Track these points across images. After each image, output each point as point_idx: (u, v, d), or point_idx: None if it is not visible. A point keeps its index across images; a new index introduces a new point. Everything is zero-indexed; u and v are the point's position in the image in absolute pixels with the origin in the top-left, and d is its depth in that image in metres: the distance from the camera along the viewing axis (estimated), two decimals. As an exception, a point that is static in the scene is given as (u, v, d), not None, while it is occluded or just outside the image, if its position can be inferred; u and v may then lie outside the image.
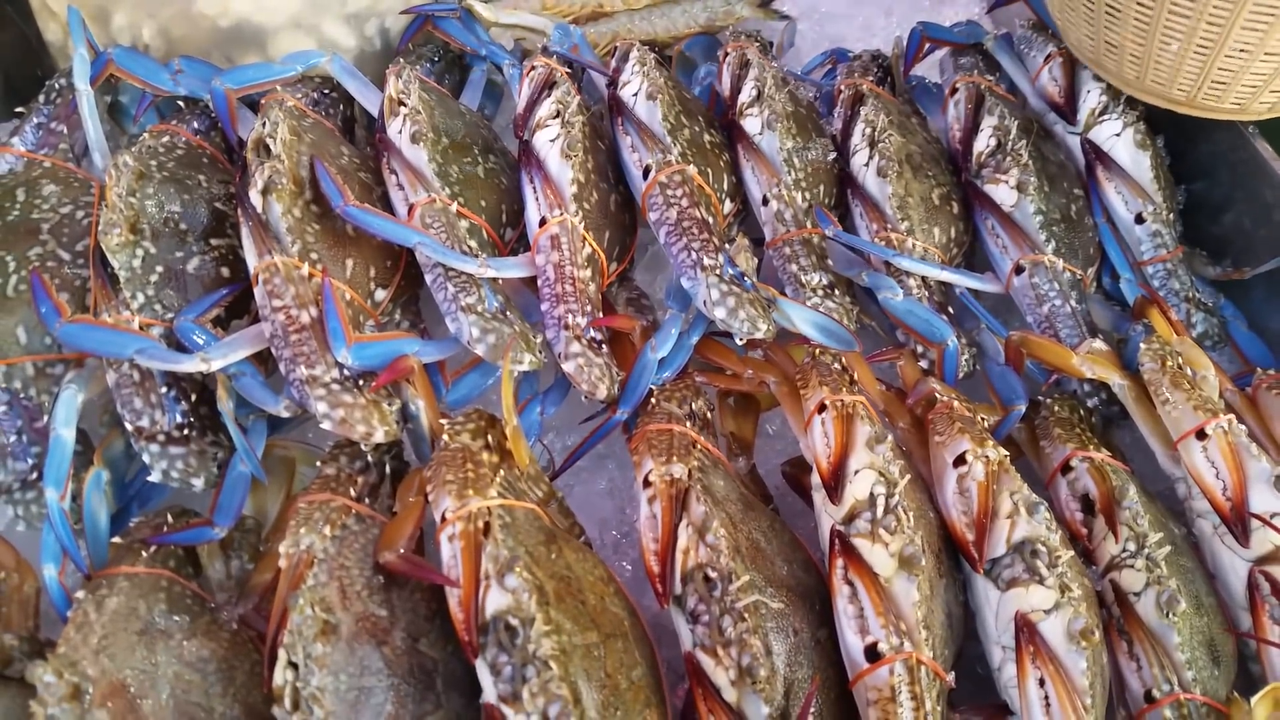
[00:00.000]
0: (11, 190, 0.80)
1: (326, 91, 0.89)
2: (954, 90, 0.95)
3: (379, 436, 0.68)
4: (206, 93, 0.85)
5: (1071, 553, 0.69)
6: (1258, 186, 0.92)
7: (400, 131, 0.79)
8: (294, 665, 0.58)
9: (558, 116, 0.82)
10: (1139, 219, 0.90)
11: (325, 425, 0.67)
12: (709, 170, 0.85)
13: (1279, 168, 0.91)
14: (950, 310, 0.86)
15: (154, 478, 0.70)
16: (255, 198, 0.72)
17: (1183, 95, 0.83)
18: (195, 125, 0.85)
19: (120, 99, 0.92)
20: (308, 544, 0.63)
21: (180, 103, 0.88)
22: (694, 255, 0.77)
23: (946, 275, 0.85)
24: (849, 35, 1.12)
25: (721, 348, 0.81)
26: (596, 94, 0.95)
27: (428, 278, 0.74)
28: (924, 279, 0.85)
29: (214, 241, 0.76)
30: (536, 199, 0.79)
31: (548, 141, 0.80)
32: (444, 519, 0.62)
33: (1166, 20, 0.78)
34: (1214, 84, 0.81)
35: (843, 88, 0.95)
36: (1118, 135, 0.91)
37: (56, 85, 0.89)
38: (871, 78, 0.97)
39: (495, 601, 0.59)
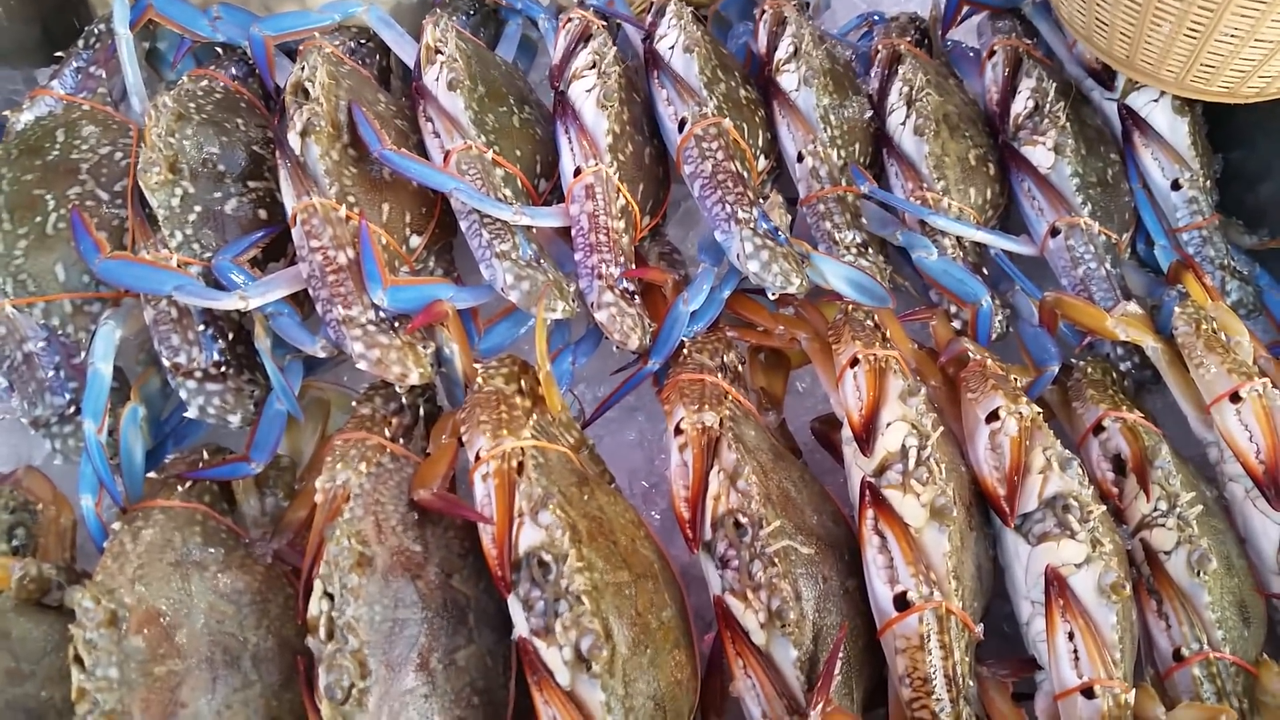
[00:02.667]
0: (51, 131, 0.80)
1: (363, 42, 0.89)
2: (991, 53, 0.94)
3: (414, 378, 0.68)
4: (244, 40, 0.86)
5: (1103, 508, 0.69)
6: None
7: (437, 79, 0.79)
8: (329, 596, 0.59)
9: (594, 67, 0.81)
10: (1175, 185, 0.89)
11: (361, 365, 0.68)
12: (744, 126, 0.85)
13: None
14: (984, 271, 0.85)
15: (190, 414, 0.70)
16: (294, 139, 0.72)
17: (1171, 77, 0.82)
18: (233, 72, 0.85)
19: (159, 45, 0.92)
20: (344, 479, 0.63)
21: (218, 49, 0.88)
22: (728, 208, 0.76)
23: (982, 236, 0.84)
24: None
25: (753, 303, 0.81)
26: (631, 51, 0.95)
27: (462, 224, 0.74)
28: (959, 239, 0.85)
29: (252, 184, 0.76)
30: (572, 149, 0.79)
31: (583, 92, 0.80)
32: (478, 458, 0.62)
33: (1158, 3, 0.77)
34: (1203, 67, 0.80)
35: (880, 47, 0.94)
36: (1155, 101, 0.90)
37: (96, 30, 0.89)
38: (909, 39, 0.96)
39: (529, 538, 0.59)
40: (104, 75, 0.87)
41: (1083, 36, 0.88)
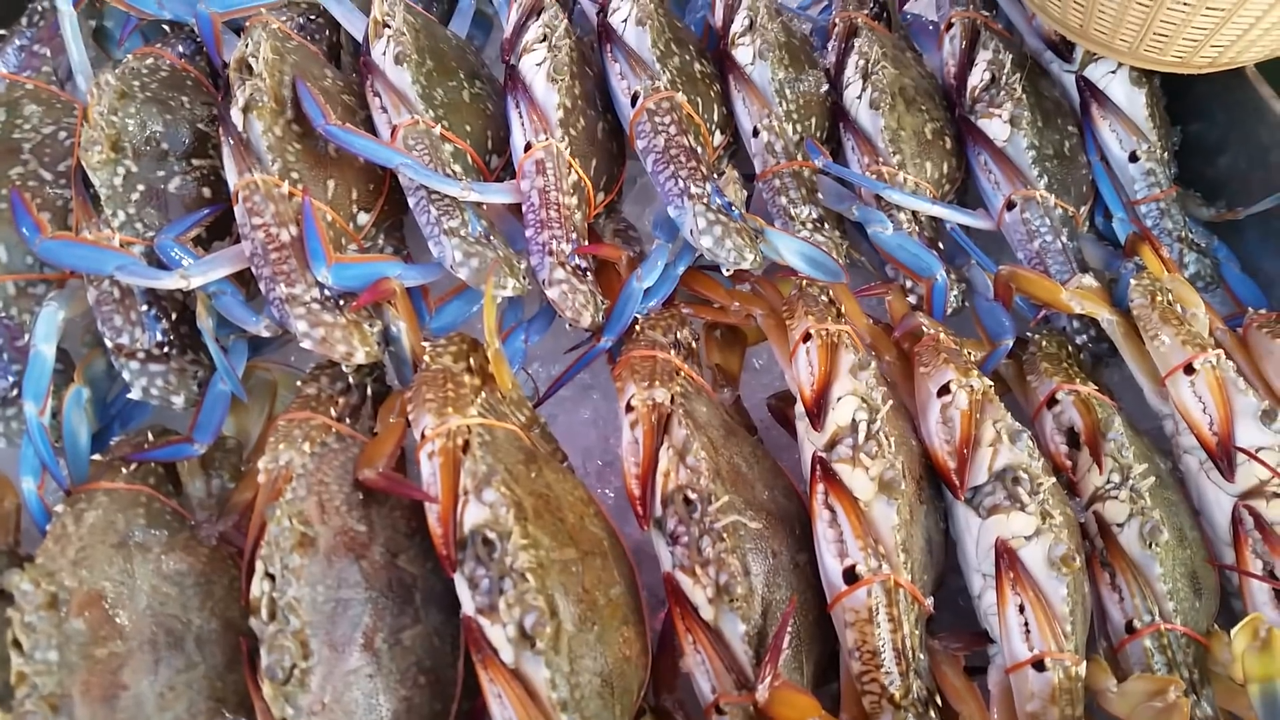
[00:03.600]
0: (-8, 110, 0.79)
1: (313, 17, 0.88)
2: (949, 25, 0.93)
3: (360, 357, 0.68)
4: (192, 17, 0.84)
5: (1053, 480, 0.68)
6: (1254, 128, 0.91)
7: (384, 53, 0.78)
8: (271, 576, 0.58)
9: (544, 40, 0.80)
10: (1133, 157, 0.89)
11: (305, 344, 0.67)
12: (699, 100, 0.84)
13: (1263, 90, 0.90)
14: (940, 246, 0.85)
15: (134, 395, 0.70)
16: (236, 115, 0.71)
17: (1125, 46, 0.82)
18: (180, 49, 0.84)
19: (105, 23, 0.90)
20: (286, 459, 0.62)
21: (165, 27, 0.87)
22: (681, 183, 0.76)
23: (938, 210, 0.84)
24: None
25: (708, 280, 0.80)
26: (588, 26, 0.94)
27: (410, 200, 0.73)
28: (914, 214, 0.84)
29: (196, 162, 0.75)
30: (522, 123, 0.78)
31: (534, 65, 0.79)
32: (423, 436, 0.62)
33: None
34: (1156, 36, 0.79)
35: (837, 20, 0.93)
36: (1113, 73, 0.90)
37: (39, 8, 0.88)
38: (867, 12, 0.95)
39: (473, 516, 0.58)
40: (48, 54, 0.86)
41: (1038, 7, 0.88)
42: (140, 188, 0.72)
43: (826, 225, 0.83)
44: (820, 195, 0.84)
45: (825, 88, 0.89)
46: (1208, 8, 0.77)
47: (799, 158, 0.84)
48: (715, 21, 0.93)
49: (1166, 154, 0.90)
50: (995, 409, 0.70)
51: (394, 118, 0.76)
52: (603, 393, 0.83)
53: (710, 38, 0.95)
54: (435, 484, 0.60)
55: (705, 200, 0.75)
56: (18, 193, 0.71)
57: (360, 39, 0.85)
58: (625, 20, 0.84)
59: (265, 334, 0.69)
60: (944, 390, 0.70)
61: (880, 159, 0.85)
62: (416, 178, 0.71)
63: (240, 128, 0.71)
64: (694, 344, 0.77)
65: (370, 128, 0.78)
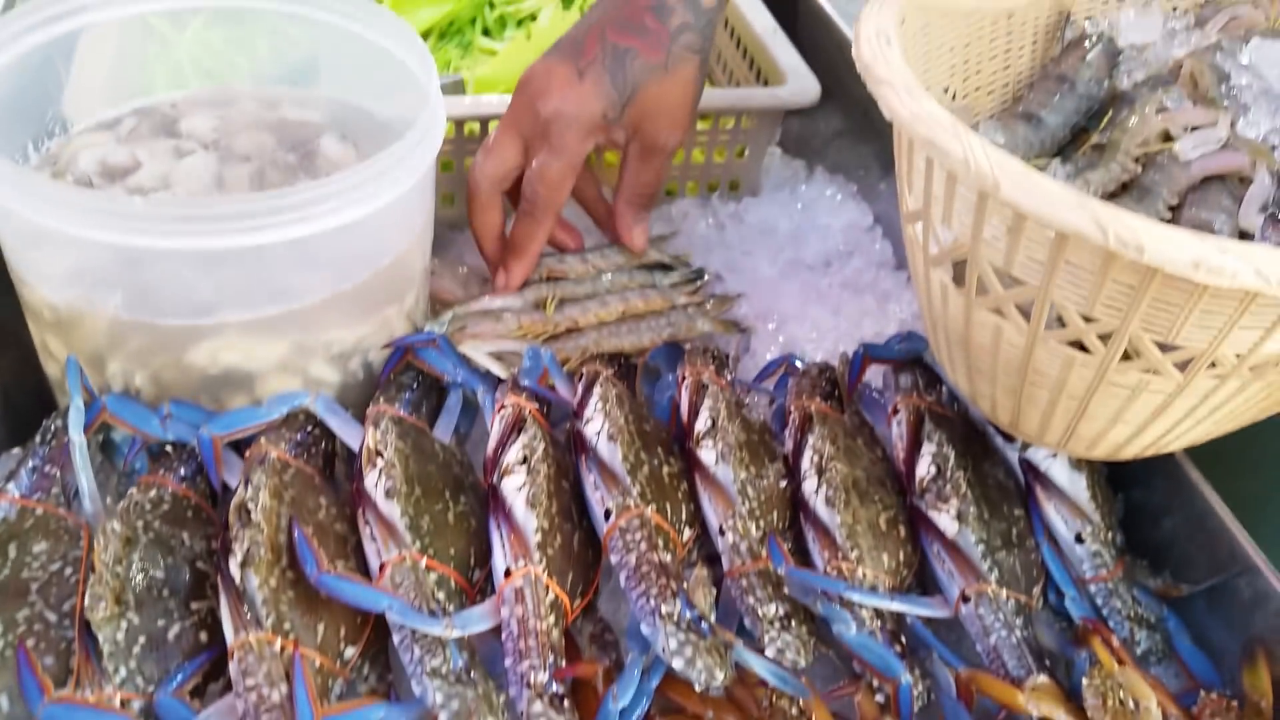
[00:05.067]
0: (4, 544, 0.84)
1: (310, 429, 0.94)
2: (895, 410, 1.01)
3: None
4: (194, 438, 0.91)
5: None
6: (1189, 497, 0.97)
7: (376, 485, 0.84)
8: None
9: (524, 462, 0.87)
10: (1079, 538, 0.95)
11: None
12: (668, 505, 0.90)
13: (1192, 473, 0.97)
14: (904, 640, 0.89)
15: None
16: (234, 569, 0.76)
17: (1054, 441, 0.89)
18: (182, 473, 0.90)
19: (113, 436, 0.97)
20: None
21: (169, 448, 0.93)
22: (652, 602, 0.81)
23: (896, 606, 0.88)
24: (800, 335, 1.19)
25: (683, 687, 0.83)
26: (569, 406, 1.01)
27: (395, 637, 0.77)
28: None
29: (194, 605, 0.79)
30: (503, 547, 0.83)
31: (514, 489, 0.86)
32: None
33: (1029, 388, 0.85)
34: (1081, 438, 0.87)
35: (792, 409, 1.01)
36: (1053, 456, 0.97)
37: (52, 427, 0.94)
38: (820, 393, 1.04)
39: None
40: (58, 474, 0.92)
41: (969, 398, 0.96)
42: (142, 639, 0.76)
43: (794, 622, 0.87)
44: (787, 589, 0.89)
45: (784, 483, 0.95)
46: (1122, 420, 0.85)
47: (763, 554, 0.90)
48: (681, 412, 1.00)
49: (1111, 532, 0.96)
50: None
51: (382, 551, 0.81)
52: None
53: (678, 422, 1.02)
54: None
55: (675, 619, 0.80)
56: (24, 649, 0.75)
57: (355, 447, 0.92)
58: (598, 433, 0.92)
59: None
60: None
61: (840, 553, 0.90)
62: (402, 620, 0.76)
63: (237, 581, 0.76)
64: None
65: (360, 553, 0.84)
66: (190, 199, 0.96)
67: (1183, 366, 0.77)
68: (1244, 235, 0.93)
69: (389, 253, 0.95)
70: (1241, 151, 0.95)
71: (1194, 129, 0.97)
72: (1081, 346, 0.79)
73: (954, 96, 0.99)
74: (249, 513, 0.80)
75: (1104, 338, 0.77)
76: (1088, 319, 0.76)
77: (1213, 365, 0.77)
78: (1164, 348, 0.76)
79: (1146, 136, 0.96)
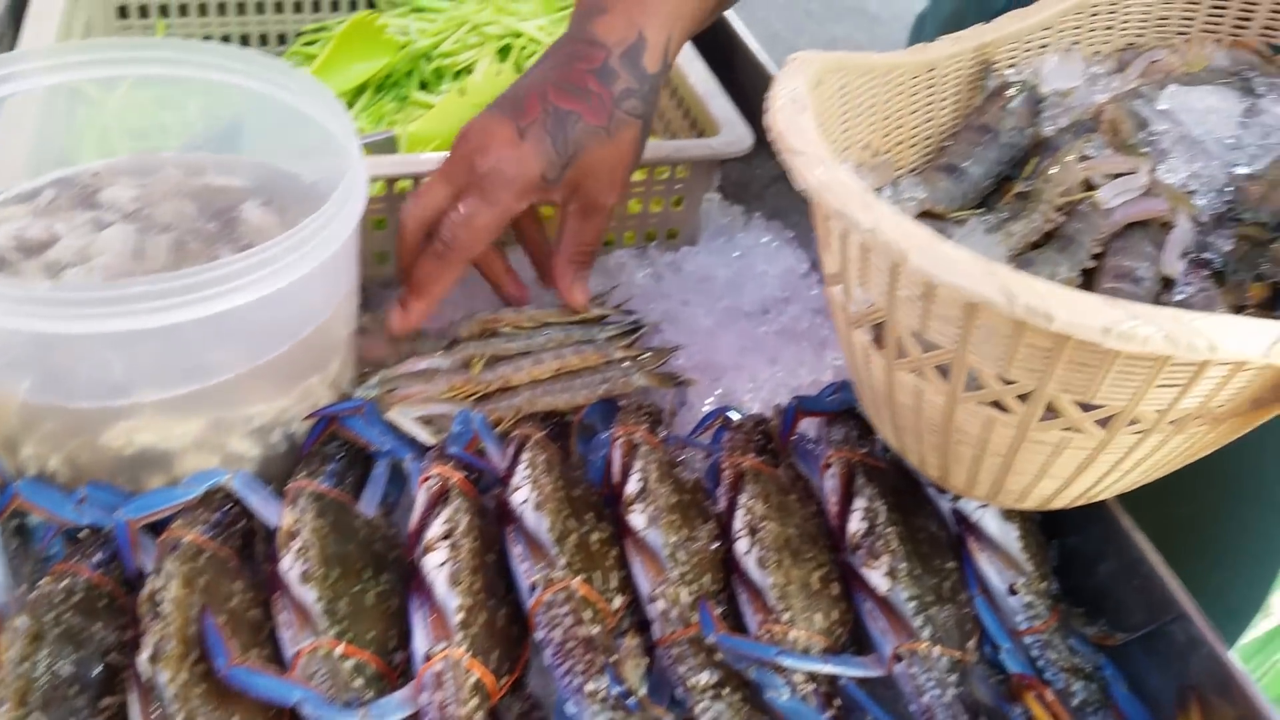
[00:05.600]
0: (-90, 642, 0.82)
1: (229, 507, 0.92)
2: (828, 464, 1.00)
3: None
4: (109, 522, 0.89)
5: None
6: (1123, 542, 0.97)
7: (290, 568, 0.83)
8: None
9: (447, 538, 0.86)
10: (1011, 590, 0.94)
11: None
12: (597, 573, 0.89)
13: (1123, 520, 0.97)
14: (838, 702, 0.88)
15: None
16: (143, 665, 0.74)
17: (983, 495, 0.89)
18: (98, 558, 0.88)
19: (28, 522, 0.95)
20: None
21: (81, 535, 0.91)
22: (577, 680, 0.79)
23: (829, 668, 0.87)
24: (738, 386, 1.18)
25: (613, 763, 0.82)
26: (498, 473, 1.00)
27: (315, 728, 0.75)
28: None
29: (105, 702, 0.77)
30: (424, 627, 0.81)
31: (435, 566, 0.84)
32: None
33: (955, 444, 0.84)
34: (1009, 492, 0.87)
35: (725, 467, 1.00)
36: (984, 506, 0.96)
37: (-34, 512, 0.92)
38: (754, 448, 1.03)
39: None
40: (-30, 561, 0.90)
41: (899, 451, 0.95)
42: (45, 742, 0.74)
43: (727, 689, 0.86)
44: (720, 654, 0.88)
45: (716, 545, 0.94)
46: (1049, 475, 0.84)
47: (694, 619, 0.88)
48: (614, 473, 0.99)
49: (1045, 582, 0.95)
50: None
51: (297, 638, 0.80)
52: None
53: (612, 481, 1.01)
54: None
55: (601, 697, 0.79)
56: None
57: (273, 525, 0.90)
58: (525, 502, 0.90)
59: None
60: None
61: (772, 615, 0.89)
62: (316, 714, 0.74)
63: (146, 676, 0.74)
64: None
65: (275, 640, 0.82)
66: (100, 283, 0.94)
67: (1103, 423, 0.77)
68: (1167, 281, 0.94)
69: (310, 322, 0.94)
70: (1161, 198, 0.95)
71: (1115, 176, 0.97)
72: (1002, 406, 0.79)
73: (875, 152, 0.99)
74: (158, 604, 0.78)
75: (1023, 397, 0.77)
76: (1005, 380, 0.76)
77: (1134, 421, 0.76)
78: (1084, 406, 0.76)
79: (1068, 186, 0.96)
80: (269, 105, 1.05)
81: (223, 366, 0.90)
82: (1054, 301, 0.66)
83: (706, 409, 1.17)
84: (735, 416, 1.10)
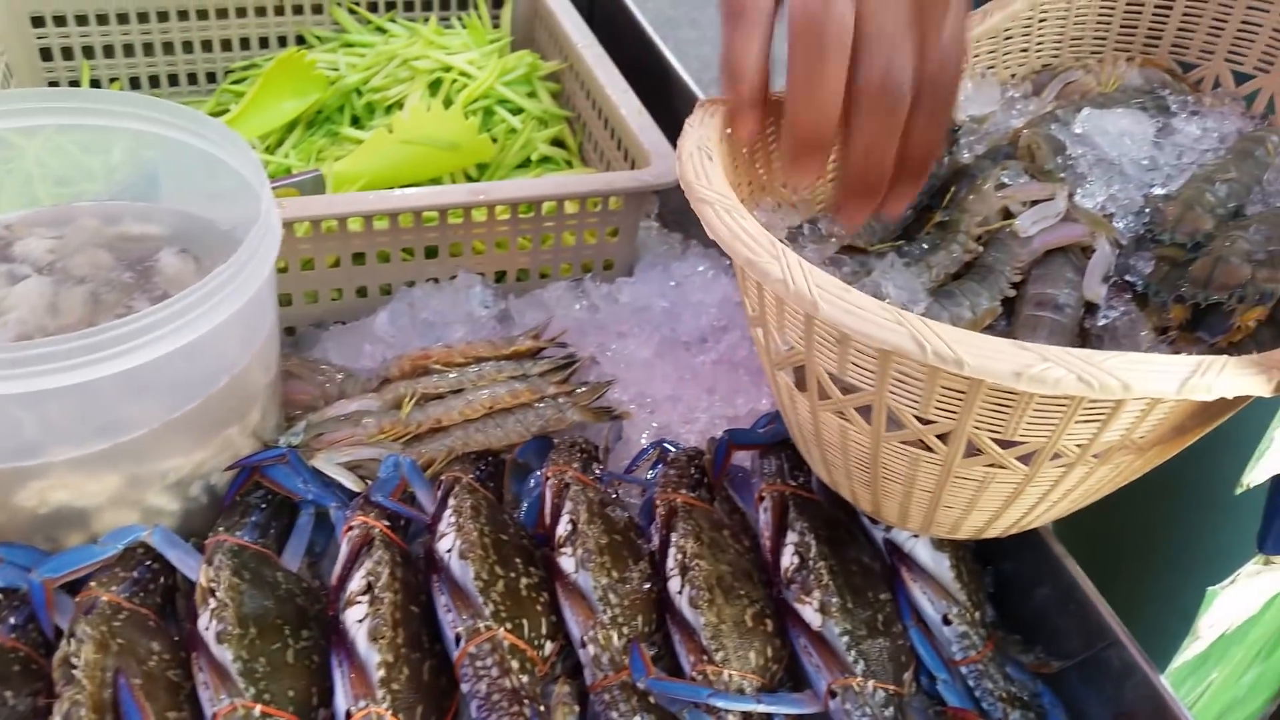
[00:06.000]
0: None
1: (149, 563, 0.90)
2: (761, 497, 1.00)
3: None
4: (24, 583, 0.86)
5: None
6: (1056, 568, 0.97)
7: (207, 628, 0.81)
8: None
9: (368, 591, 0.84)
10: (945, 620, 0.94)
11: None
12: (526, 620, 0.87)
13: (1055, 547, 0.97)
14: (771, 741, 0.87)
15: None
16: (50, 736, 0.72)
17: (917, 528, 0.89)
18: (13, 621, 0.85)
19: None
20: None
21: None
22: (503, 733, 0.78)
23: (763, 708, 0.86)
24: (675, 418, 1.18)
25: (543, 814, 0.81)
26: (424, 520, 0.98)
27: (230, 794, 0.73)
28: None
29: (13, 774, 0.75)
30: (344, 685, 0.80)
31: (355, 622, 0.82)
32: None
33: (882, 485, 0.84)
34: (940, 524, 0.87)
35: (658, 503, 0.99)
36: (916, 537, 0.96)
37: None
38: (688, 483, 1.02)
39: None
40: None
41: (830, 484, 0.95)
42: (-51, 820, 0.71)
43: (659, 733, 0.85)
44: (654, 699, 0.87)
45: (648, 585, 0.93)
46: (979, 509, 0.84)
47: (626, 663, 0.87)
48: (547, 513, 0.98)
49: (979, 611, 0.95)
50: None
51: (215, 700, 0.77)
52: None
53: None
54: None
55: (527, 749, 0.77)
56: None
57: (195, 580, 0.88)
58: (449, 551, 0.89)
59: None
60: None
61: (705, 655, 0.88)
62: (231, 780, 0.72)
63: (55, 748, 0.72)
64: None
65: (194, 700, 0.80)
66: (8, 342, 0.91)
67: (1026, 460, 0.77)
68: (1089, 306, 0.94)
69: (227, 371, 0.92)
70: (1080, 223, 0.96)
71: (1033, 203, 0.97)
72: (926, 445, 0.78)
73: (794, 190, 0.99)
74: (72, 668, 0.76)
75: (943, 437, 0.77)
76: (924, 420, 0.75)
77: (1056, 456, 0.76)
78: (1005, 444, 0.76)
79: (986, 215, 0.97)
80: (186, 152, 1.04)
81: (137, 421, 0.88)
82: (963, 348, 0.65)
83: (645, 442, 1.16)
84: (672, 450, 1.10)
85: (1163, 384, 0.65)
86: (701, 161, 0.77)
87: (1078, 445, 0.75)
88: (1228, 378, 0.65)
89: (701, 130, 0.81)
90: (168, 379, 0.88)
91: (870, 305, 0.67)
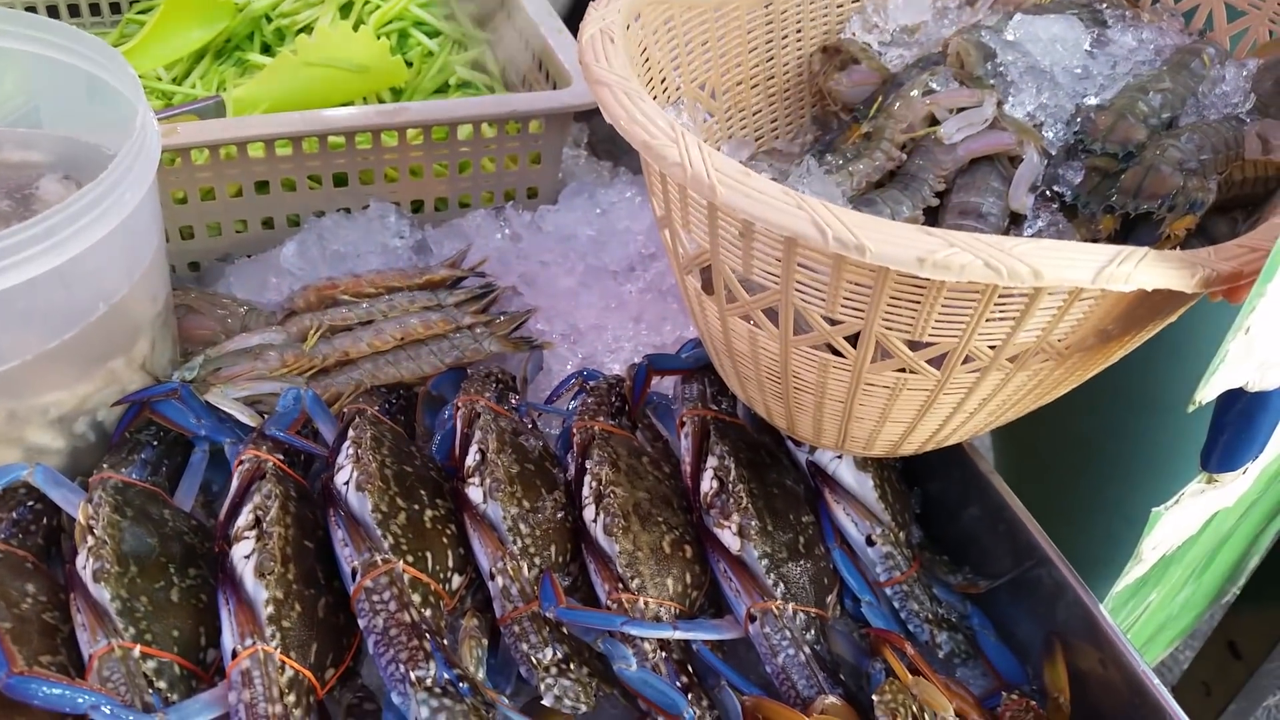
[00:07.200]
0: None
1: (31, 503, 0.85)
2: (682, 423, 0.96)
3: None
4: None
5: None
6: (985, 488, 0.94)
7: (84, 567, 0.76)
8: None
9: (255, 526, 0.79)
10: (869, 541, 0.91)
11: None
12: (430, 553, 0.83)
13: (981, 464, 0.94)
14: (691, 668, 0.84)
15: None
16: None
17: (831, 443, 0.86)
18: (-124, 568, 0.80)
19: None
20: None
21: None
22: (401, 668, 0.74)
23: (680, 635, 0.83)
24: (600, 347, 1.14)
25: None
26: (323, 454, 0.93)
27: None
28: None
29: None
30: (230, 623, 0.75)
31: (242, 558, 0.78)
32: None
33: (794, 396, 0.81)
34: (854, 439, 0.84)
35: (575, 430, 0.95)
36: (839, 457, 0.93)
37: None
38: (607, 411, 0.98)
39: None
40: None
41: (746, 401, 0.91)
42: None
43: (573, 665, 0.81)
44: (565, 629, 0.83)
45: (561, 514, 0.89)
46: (891, 420, 0.81)
47: (537, 595, 0.83)
48: (457, 447, 0.94)
49: (903, 531, 0.92)
50: None
51: (92, 641, 0.73)
52: None
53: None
54: None
55: (428, 684, 0.73)
56: None
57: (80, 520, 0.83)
58: (346, 483, 0.84)
59: None
60: None
61: (620, 584, 0.85)
62: (106, 722, 0.68)
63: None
64: None
65: (74, 642, 0.75)
66: None
67: (937, 363, 0.73)
68: (1015, 216, 0.90)
69: (103, 300, 0.86)
70: (1008, 131, 0.92)
71: (960, 110, 0.93)
72: (835, 349, 0.75)
73: (713, 93, 0.94)
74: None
75: (853, 339, 0.73)
76: (832, 321, 0.71)
77: (968, 359, 0.73)
78: (915, 345, 0.72)
79: (911, 121, 0.92)
80: (67, 73, 0.97)
81: (9, 351, 0.82)
82: (866, 233, 0.61)
83: (569, 372, 1.11)
84: (594, 380, 1.05)
85: (1077, 272, 0.61)
86: (603, 43, 0.72)
87: (990, 346, 0.71)
88: (1147, 269, 0.62)
89: (604, 13, 0.76)
90: (41, 305, 0.82)
91: (771, 189, 0.62)
